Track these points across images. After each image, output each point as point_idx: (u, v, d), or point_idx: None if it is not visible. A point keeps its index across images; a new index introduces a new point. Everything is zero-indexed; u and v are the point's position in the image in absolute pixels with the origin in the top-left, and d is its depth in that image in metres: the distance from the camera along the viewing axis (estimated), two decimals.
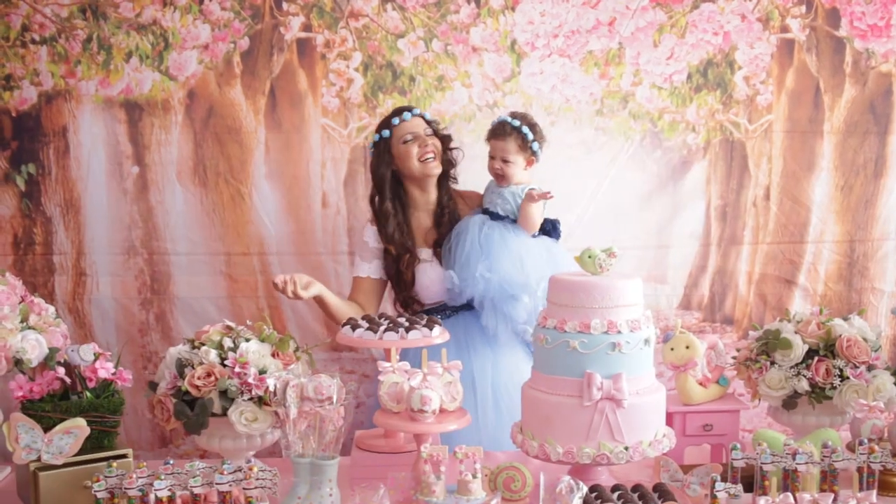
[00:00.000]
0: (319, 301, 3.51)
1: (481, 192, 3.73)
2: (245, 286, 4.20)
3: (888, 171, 4.28)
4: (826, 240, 4.30)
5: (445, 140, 3.67)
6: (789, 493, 2.53)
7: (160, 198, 4.13)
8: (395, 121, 3.60)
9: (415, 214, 3.67)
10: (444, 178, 3.68)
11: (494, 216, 3.58)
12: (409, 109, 3.65)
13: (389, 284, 3.71)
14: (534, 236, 3.59)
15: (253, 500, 2.42)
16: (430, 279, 3.59)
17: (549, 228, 3.62)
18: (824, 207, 4.28)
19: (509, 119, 3.57)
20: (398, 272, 3.61)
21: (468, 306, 3.56)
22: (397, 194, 3.64)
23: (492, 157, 3.61)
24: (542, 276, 3.42)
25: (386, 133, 3.60)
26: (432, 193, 3.67)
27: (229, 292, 4.20)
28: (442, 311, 3.57)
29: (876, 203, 4.30)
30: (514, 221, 3.58)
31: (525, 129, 3.54)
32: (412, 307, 3.64)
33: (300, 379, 2.61)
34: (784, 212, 4.28)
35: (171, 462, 2.47)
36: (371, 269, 3.66)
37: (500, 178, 3.59)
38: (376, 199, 3.65)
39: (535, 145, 3.57)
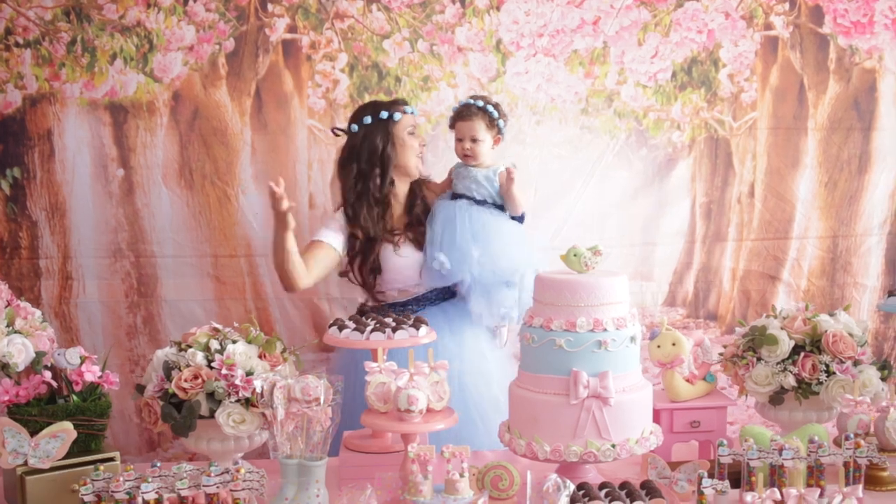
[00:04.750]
0: (282, 226, 3.40)
1: (437, 181, 3.79)
2: (233, 288, 4.20)
3: (872, 167, 4.31)
4: (810, 236, 4.32)
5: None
6: (776, 489, 2.54)
7: (146, 200, 4.13)
8: (409, 109, 3.65)
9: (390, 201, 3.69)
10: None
11: (472, 200, 3.61)
12: (406, 103, 3.69)
13: (350, 277, 3.71)
14: (508, 221, 3.64)
15: (240, 502, 2.42)
16: (403, 261, 3.60)
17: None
18: (808, 204, 4.30)
19: (472, 101, 3.65)
20: (373, 260, 3.61)
21: (433, 301, 3.60)
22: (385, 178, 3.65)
23: (459, 140, 3.65)
24: (525, 263, 3.50)
25: (397, 115, 3.60)
26: (406, 185, 3.70)
27: (217, 294, 4.19)
28: (407, 306, 3.60)
29: (859, 199, 4.32)
30: (495, 206, 3.63)
31: (490, 107, 3.62)
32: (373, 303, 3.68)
33: (287, 380, 2.61)
34: (768, 208, 4.30)
35: (159, 465, 2.46)
36: (332, 237, 3.62)
37: (469, 157, 3.64)
38: (377, 180, 3.60)
39: (501, 123, 3.65)
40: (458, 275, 3.53)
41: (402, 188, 3.69)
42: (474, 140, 3.62)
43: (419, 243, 3.62)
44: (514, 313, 3.56)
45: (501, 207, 3.65)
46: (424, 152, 3.71)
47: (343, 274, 3.72)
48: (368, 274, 3.64)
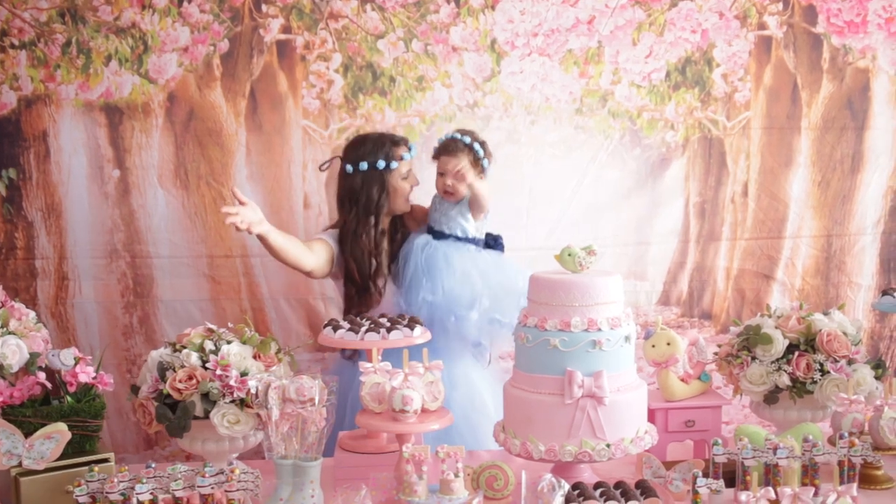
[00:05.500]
0: (262, 239, 3.31)
1: (426, 206, 3.74)
2: (228, 288, 4.20)
3: (865, 166, 4.32)
4: (803, 235, 4.33)
5: None
6: (770, 488, 2.55)
7: (142, 201, 4.13)
8: (407, 156, 3.57)
9: None
10: None
11: (438, 235, 3.59)
12: (407, 144, 3.61)
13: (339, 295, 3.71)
14: (478, 250, 3.60)
15: (235, 503, 2.42)
16: (385, 295, 3.58)
17: (492, 244, 3.64)
18: (802, 203, 4.32)
19: (459, 136, 3.57)
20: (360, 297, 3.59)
21: None
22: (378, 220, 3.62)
23: (441, 174, 3.59)
24: (490, 284, 3.47)
25: (394, 165, 3.54)
26: (389, 217, 3.67)
27: (212, 295, 4.20)
28: None
29: (853, 198, 4.33)
30: (459, 239, 3.59)
31: (476, 145, 3.55)
32: None
33: (282, 381, 2.61)
34: (762, 208, 4.31)
35: (153, 465, 2.47)
36: (330, 241, 3.58)
37: (451, 195, 3.58)
38: (371, 232, 3.57)
39: (485, 162, 3.58)
40: (415, 312, 3.47)
41: (386, 221, 3.66)
42: (456, 177, 3.55)
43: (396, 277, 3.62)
44: (485, 342, 3.54)
45: (471, 240, 3.60)
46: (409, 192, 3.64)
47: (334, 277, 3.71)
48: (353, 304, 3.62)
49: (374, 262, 3.57)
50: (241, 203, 3.19)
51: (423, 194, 3.72)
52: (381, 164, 3.53)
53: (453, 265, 3.50)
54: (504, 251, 3.66)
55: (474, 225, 3.59)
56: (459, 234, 3.58)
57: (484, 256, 3.57)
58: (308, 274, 3.56)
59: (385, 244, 3.63)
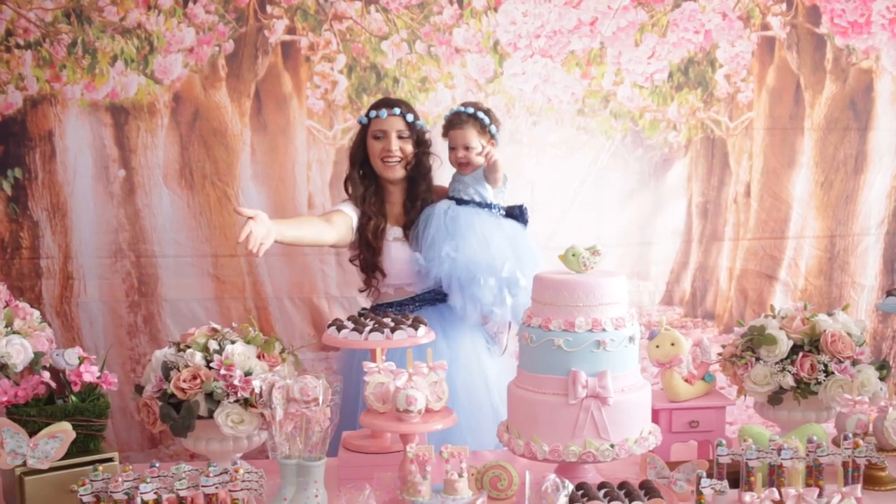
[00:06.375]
0: (282, 240, 3.27)
1: (446, 185, 3.74)
2: (233, 287, 4.21)
3: (868, 166, 4.32)
4: (806, 235, 4.33)
5: (423, 144, 3.64)
6: (775, 489, 2.54)
7: (147, 201, 4.14)
8: (373, 114, 3.60)
9: (388, 199, 3.67)
10: (417, 181, 3.66)
11: (460, 201, 3.61)
12: (391, 106, 3.60)
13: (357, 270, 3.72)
14: (501, 216, 3.63)
15: (239, 502, 2.42)
16: (398, 257, 3.59)
17: (517, 213, 3.65)
18: (804, 203, 4.32)
19: (463, 108, 3.63)
20: (366, 243, 3.60)
21: (430, 302, 3.57)
22: (370, 174, 3.65)
23: (452, 149, 3.64)
24: (506, 257, 3.48)
25: (363, 120, 3.62)
26: (399, 187, 3.66)
27: (217, 294, 4.21)
28: (404, 306, 3.59)
29: (856, 198, 4.34)
30: (479, 205, 3.60)
31: (480, 114, 3.60)
32: (375, 306, 3.63)
33: (286, 380, 2.61)
34: (764, 208, 4.31)
35: (157, 465, 2.47)
36: (348, 209, 3.60)
37: (465, 166, 3.62)
38: (356, 176, 3.65)
39: (493, 128, 3.63)
40: (434, 271, 3.50)
41: (393, 188, 3.66)
42: (467, 148, 3.59)
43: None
44: (498, 310, 3.52)
45: (490, 206, 3.62)
46: (403, 154, 3.58)
47: (353, 260, 3.71)
48: (368, 265, 3.63)
49: (364, 209, 3.61)
50: (250, 218, 3.09)
51: (444, 174, 3.73)
52: (362, 119, 3.64)
53: (475, 228, 3.54)
54: (528, 223, 3.66)
55: (492, 191, 3.61)
56: (479, 199, 3.60)
57: (502, 229, 3.60)
58: (333, 246, 3.65)
59: (374, 194, 3.65)
